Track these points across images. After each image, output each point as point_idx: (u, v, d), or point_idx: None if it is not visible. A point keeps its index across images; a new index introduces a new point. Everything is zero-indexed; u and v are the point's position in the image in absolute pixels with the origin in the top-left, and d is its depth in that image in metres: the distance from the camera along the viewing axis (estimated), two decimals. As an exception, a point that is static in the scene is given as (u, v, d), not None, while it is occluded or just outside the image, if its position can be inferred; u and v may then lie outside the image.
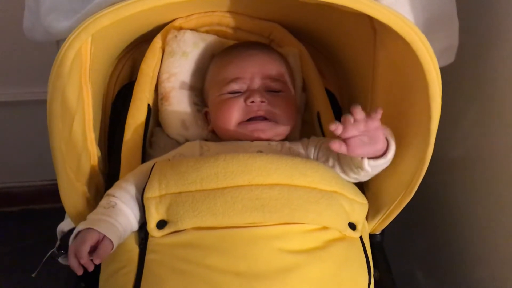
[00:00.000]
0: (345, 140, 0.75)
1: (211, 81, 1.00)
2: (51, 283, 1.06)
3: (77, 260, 0.70)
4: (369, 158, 0.77)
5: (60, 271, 0.83)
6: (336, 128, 0.72)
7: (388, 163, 0.79)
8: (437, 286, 1.19)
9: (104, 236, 0.73)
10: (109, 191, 0.81)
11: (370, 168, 0.78)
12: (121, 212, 0.77)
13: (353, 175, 0.84)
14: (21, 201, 1.79)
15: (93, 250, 0.71)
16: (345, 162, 0.84)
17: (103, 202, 0.80)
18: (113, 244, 0.73)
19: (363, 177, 0.84)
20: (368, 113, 0.74)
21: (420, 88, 0.71)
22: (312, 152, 0.92)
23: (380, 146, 0.77)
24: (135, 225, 0.79)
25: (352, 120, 0.73)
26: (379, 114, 0.73)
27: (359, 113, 0.73)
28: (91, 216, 0.77)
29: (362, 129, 0.73)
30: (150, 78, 1.00)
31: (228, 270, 0.70)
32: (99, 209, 0.78)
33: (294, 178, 0.78)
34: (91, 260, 0.70)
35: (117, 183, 0.83)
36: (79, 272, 0.71)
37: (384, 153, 0.78)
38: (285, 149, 0.92)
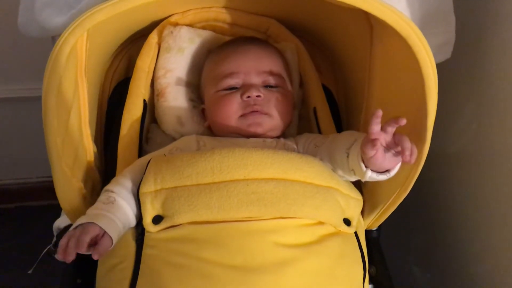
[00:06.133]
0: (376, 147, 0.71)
1: (207, 77, 1.00)
2: (47, 279, 1.06)
3: (73, 248, 0.69)
4: (372, 170, 0.75)
5: (56, 267, 0.83)
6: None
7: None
8: (434, 282, 1.20)
9: (105, 232, 0.72)
10: (108, 187, 0.81)
11: (369, 179, 0.77)
12: (120, 208, 0.77)
13: (342, 174, 0.83)
14: (17, 197, 1.79)
15: (93, 244, 0.71)
16: (340, 163, 0.81)
17: (102, 197, 0.79)
18: (112, 241, 0.73)
19: (353, 179, 0.84)
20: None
21: (417, 84, 0.71)
22: (301, 148, 0.92)
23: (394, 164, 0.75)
24: (133, 221, 0.79)
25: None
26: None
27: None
28: (91, 211, 0.77)
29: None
30: (145, 73, 0.99)
31: (224, 264, 0.70)
32: (98, 204, 0.78)
33: (289, 173, 0.78)
34: (89, 254, 0.70)
35: (114, 178, 0.83)
36: (72, 256, 0.69)
37: (387, 170, 0.75)
38: (280, 146, 0.92)
